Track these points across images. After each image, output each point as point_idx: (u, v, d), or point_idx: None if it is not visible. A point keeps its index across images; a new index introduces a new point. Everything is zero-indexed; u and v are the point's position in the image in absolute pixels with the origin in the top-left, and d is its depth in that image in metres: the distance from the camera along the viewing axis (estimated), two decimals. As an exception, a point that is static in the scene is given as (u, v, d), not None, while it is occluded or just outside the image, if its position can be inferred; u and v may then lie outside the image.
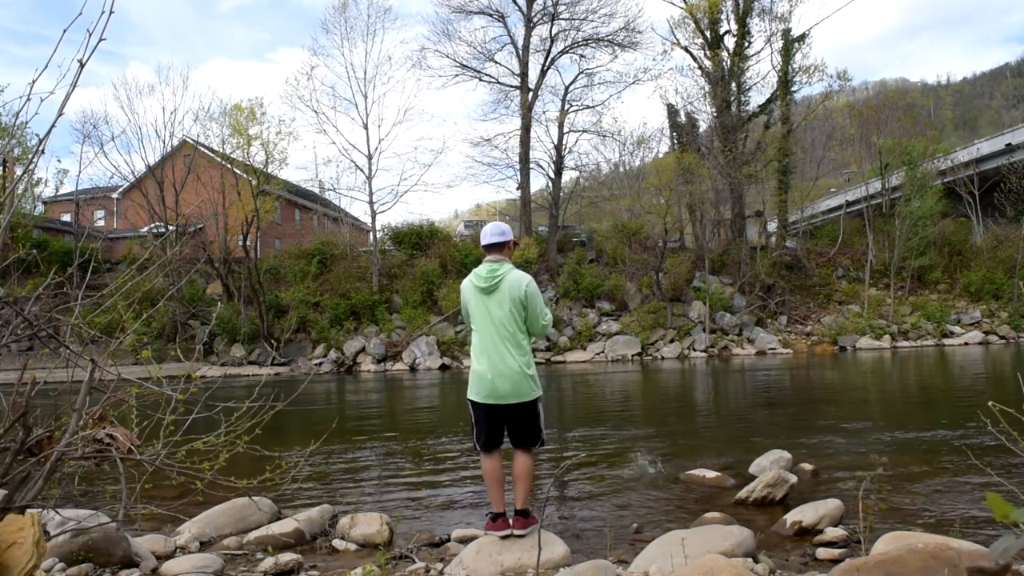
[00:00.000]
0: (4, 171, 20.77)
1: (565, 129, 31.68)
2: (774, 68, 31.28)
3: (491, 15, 31.46)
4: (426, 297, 26.74)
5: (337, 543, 4.44)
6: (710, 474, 6.04)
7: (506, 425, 3.91)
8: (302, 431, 9.36)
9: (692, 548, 3.54)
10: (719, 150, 30.50)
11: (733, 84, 31.70)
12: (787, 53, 30.95)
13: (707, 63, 31.95)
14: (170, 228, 26.18)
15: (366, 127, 28.36)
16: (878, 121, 31.05)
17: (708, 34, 31.89)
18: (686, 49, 32.51)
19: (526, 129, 30.43)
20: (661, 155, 37.78)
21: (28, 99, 2.28)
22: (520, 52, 31.15)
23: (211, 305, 25.69)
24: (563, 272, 28.31)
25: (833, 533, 4.23)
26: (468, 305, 4.00)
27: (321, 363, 23.88)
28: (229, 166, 26.54)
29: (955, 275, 29.06)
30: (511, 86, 31.77)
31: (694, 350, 24.47)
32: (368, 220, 30.30)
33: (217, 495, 3.64)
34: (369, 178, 28.21)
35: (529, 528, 3.89)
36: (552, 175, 31.96)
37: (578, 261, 29.16)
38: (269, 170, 27.10)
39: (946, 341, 25.18)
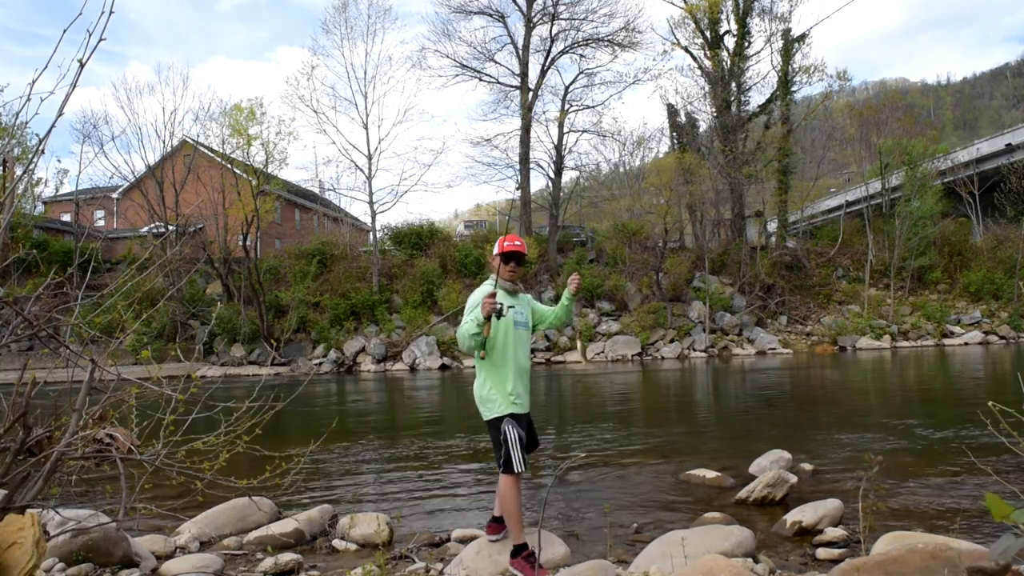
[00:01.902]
0: (4, 171, 20.76)
1: (565, 129, 31.72)
2: (774, 68, 31.32)
3: (491, 15, 31.50)
4: (426, 297, 26.74)
5: (337, 543, 4.44)
6: (710, 474, 6.04)
7: None
8: (302, 431, 9.36)
9: (692, 548, 3.54)
10: (719, 150, 30.51)
11: (733, 84, 31.71)
12: (787, 53, 30.97)
13: (707, 63, 31.97)
14: (170, 228, 26.18)
15: (366, 127, 28.41)
16: (878, 121, 31.06)
17: (708, 34, 31.90)
18: (686, 49, 32.53)
19: (526, 129, 30.43)
20: (661, 155, 37.82)
21: (28, 99, 2.28)
22: (520, 52, 31.17)
23: (211, 305, 25.69)
24: (563, 272, 28.31)
25: (833, 533, 4.23)
26: None
27: (321, 363, 23.88)
28: (229, 166, 26.54)
29: (955, 275, 29.06)
30: (511, 86, 31.79)
31: (694, 350, 24.47)
32: (368, 220, 30.32)
33: (217, 495, 3.64)
34: (369, 178, 28.24)
35: (496, 536, 3.85)
36: (552, 175, 31.98)
37: (578, 261, 29.18)
38: (269, 170, 27.11)
39: (946, 341, 25.17)
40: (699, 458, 6.82)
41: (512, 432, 3.59)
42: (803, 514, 4.46)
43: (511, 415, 3.64)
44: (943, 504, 5.03)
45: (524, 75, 31.10)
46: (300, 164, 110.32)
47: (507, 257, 3.79)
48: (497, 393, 3.66)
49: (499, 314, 3.54)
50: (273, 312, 25.63)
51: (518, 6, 30.97)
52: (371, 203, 28.28)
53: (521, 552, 3.56)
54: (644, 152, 41.44)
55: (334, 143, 59.62)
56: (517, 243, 3.86)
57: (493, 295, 3.55)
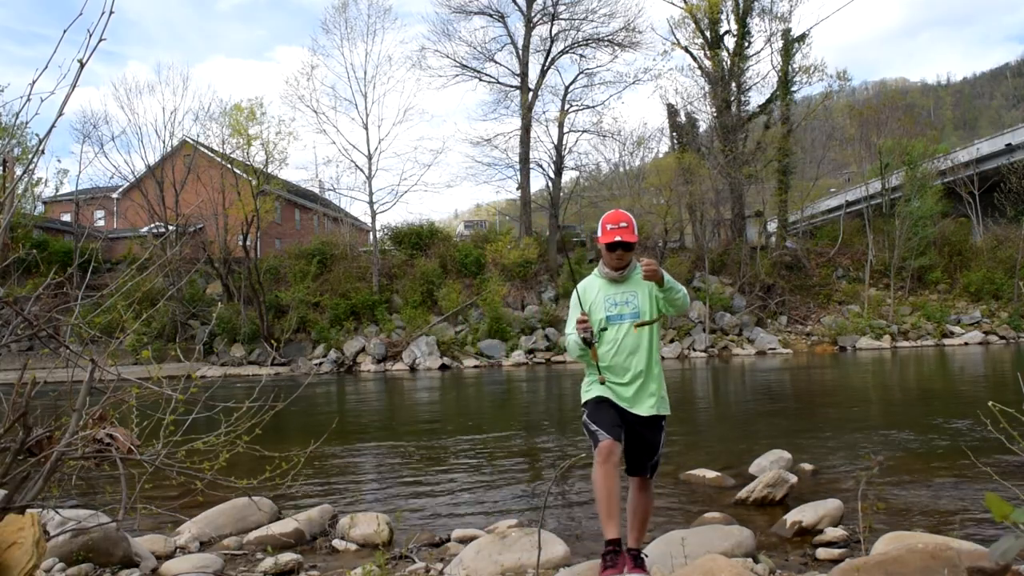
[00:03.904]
0: (4, 171, 20.76)
1: (565, 129, 31.74)
2: (774, 68, 31.34)
3: (491, 15, 31.52)
4: (426, 297, 26.75)
5: (337, 543, 4.44)
6: (710, 474, 6.04)
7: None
8: (302, 431, 9.36)
9: (692, 548, 3.54)
10: (719, 150, 30.53)
11: (733, 84, 31.73)
12: (787, 53, 30.98)
13: (707, 63, 31.98)
14: (170, 228, 26.18)
15: (366, 127, 28.41)
16: (878, 121, 31.08)
17: (708, 34, 31.92)
18: (686, 49, 32.55)
19: (526, 129, 30.44)
20: (661, 155, 37.81)
21: (28, 99, 2.28)
22: (520, 52, 31.19)
23: (211, 305, 25.69)
24: (563, 272, 28.33)
25: (833, 533, 4.23)
26: None
27: (321, 363, 23.88)
28: (229, 166, 26.54)
29: (955, 275, 29.07)
30: (511, 86, 31.80)
31: (694, 350, 24.47)
32: (368, 220, 30.33)
33: (217, 495, 3.64)
34: (369, 178, 28.25)
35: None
36: (552, 175, 32.00)
37: (578, 261, 29.17)
38: (269, 170, 27.12)
39: (946, 341, 25.18)
40: (699, 458, 6.81)
41: (583, 418, 3.39)
42: (803, 514, 4.46)
43: (585, 402, 3.40)
44: (943, 504, 5.03)
45: (524, 75, 31.10)
46: (300, 164, 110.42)
47: (611, 247, 3.33)
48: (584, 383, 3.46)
49: (587, 342, 3.21)
50: (273, 312, 25.63)
51: (518, 6, 31.01)
52: (371, 203, 28.31)
53: (605, 548, 3.16)
54: (644, 152, 41.41)
55: (334, 143, 59.25)
56: (623, 224, 3.32)
57: (584, 320, 3.23)
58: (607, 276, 3.43)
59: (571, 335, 3.33)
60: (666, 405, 3.39)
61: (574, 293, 3.43)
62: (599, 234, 3.37)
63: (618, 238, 3.29)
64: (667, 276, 3.22)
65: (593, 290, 3.44)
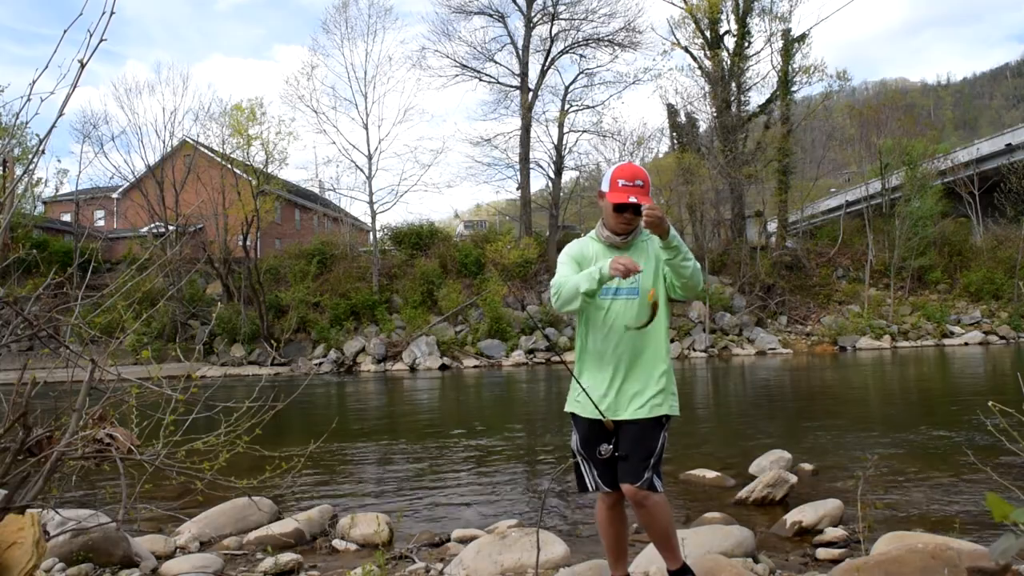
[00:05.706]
0: (4, 171, 20.76)
1: (565, 129, 31.72)
2: (774, 68, 31.34)
3: (491, 15, 31.51)
4: (426, 297, 26.75)
5: (337, 543, 4.44)
6: (710, 474, 6.04)
7: None
8: (302, 431, 9.36)
9: (692, 548, 3.54)
10: (719, 150, 30.52)
11: (733, 84, 31.73)
12: (787, 53, 30.99)
13: (707, 63, 31.98)
14: (170, 228, 26.17)
15: (366, 127, 28.40)
16: (878, 121, 31.09)
17: (708, 34, 31.92)
18: (686, 49, 32.54)
19: (526, 129, 30.44)
20: (661, 155, 37.79)
21: (28, 99, 2.28)
22: (520, 52, 31.18)
23: (211, 305, 25.68)
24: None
25: (833, 533, 4.23)
26: None
27: (321, 363, 23.87)
28: (229, 166, 26.54)
29: (955, 275, 29.07)
30: (511, 86, 31.79)
31: (694, 350, 24.47)
32: (368, 220, 30.32)
33: (217, 495, 3.64)
34: (369, 178, 28.24)
35: None
36: (552, 175, 32.01)
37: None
38: (269, 170, 27.11)
39: (946, 341, 25.17)
40: (699, 458, 6.81)
41: (572, 440, 2.89)
42: (803, 514, 4.46)
43: (573, 415, 2.86)
44: (943, 504, 5.03)
45: (524, 75, 31.10)
46: (300, 164, 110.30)
47: (620, 208, 2.69)
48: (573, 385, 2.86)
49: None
50: (273, 312, 25.63)
51: (518, 6, 31.00)
52: (371, 203, 28.30)
53: None
54: (644, 152, 41.36)
55: (334, 143, 59.03)
56: (639, 182, 2.65)
57: (624, 269, 2.46)
58: (607, 240, 2.80)
59: (588, 272, 2.59)
60: (674, 404, 2.75)
61: (564, 255, 2.86)
62: (605, 188, 2.72)
63: (632, 199, 2.62)
64: (673, 232, 2.55)
65: (587, 255, 2.82)
